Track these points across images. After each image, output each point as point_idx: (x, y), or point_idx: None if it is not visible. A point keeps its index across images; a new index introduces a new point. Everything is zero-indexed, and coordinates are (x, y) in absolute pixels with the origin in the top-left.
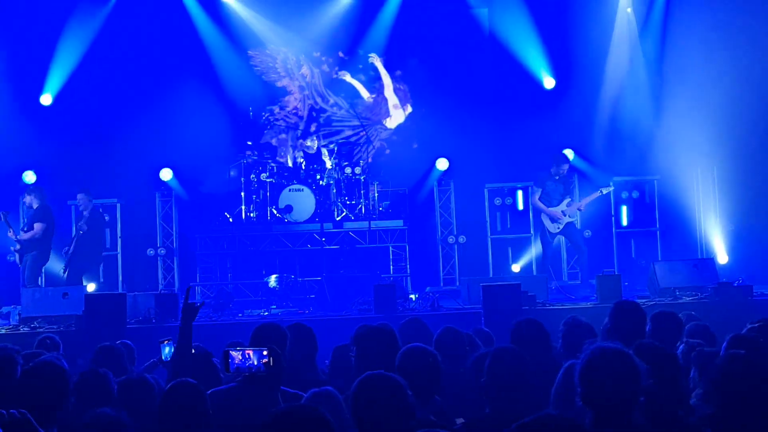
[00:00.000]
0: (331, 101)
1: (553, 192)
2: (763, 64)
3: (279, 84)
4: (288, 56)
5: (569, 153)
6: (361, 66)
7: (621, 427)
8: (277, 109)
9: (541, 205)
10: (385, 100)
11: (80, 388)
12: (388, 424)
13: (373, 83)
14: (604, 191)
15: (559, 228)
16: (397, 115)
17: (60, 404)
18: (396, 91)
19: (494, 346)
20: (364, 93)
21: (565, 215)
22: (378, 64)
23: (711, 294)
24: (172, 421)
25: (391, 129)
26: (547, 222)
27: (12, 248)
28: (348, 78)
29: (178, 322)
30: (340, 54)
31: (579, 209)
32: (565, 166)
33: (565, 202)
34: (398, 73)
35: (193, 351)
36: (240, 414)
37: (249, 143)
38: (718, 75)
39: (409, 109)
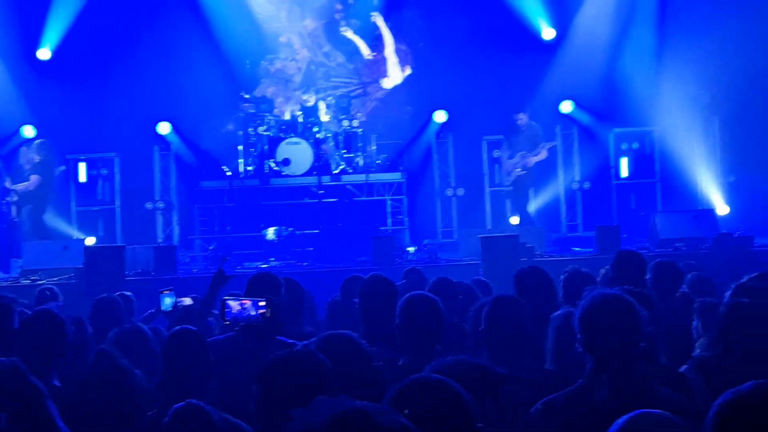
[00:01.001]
0: (331, 56)
1: (516, 144)
2: (767, 13)
3: (281, 38)
4: (293, 6)
5: (568, 104)
6: (354, 21)
7: (621, 373)
8: (276, 62)
9: (502, 155)
10: (385, 59)
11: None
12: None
13: (375, 41)
14: (548, 146)
15: (510, 180)
16: (395, 76)
17: (59, 353)
18: (397, 51)
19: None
20: (365, 50)
21: (516, 168)
22: (380, 22)
23: (711, 245)
24: (175, 366)
25: (387, 89)
26: (503, 174)
27: (8, 198)
28: (350, 34)
29: (176, 275)
30: (338, 6)
31: (526, 165)
32: (520, 115)
33: (519, 154)
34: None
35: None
36: (237, 364)
37: (245, 95)
38: (721, 24)
39: (408, 71)
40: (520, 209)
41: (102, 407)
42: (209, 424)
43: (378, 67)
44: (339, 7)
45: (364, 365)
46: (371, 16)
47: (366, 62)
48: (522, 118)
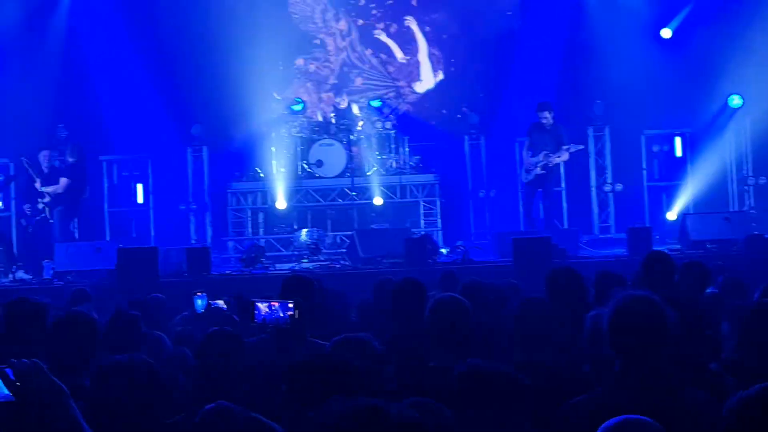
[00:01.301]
0: (365, 58)
1: (538, 142)
2: None
3: (315, 40)
4: (327, 7)
5: (600, 106)
6: (388, 24)
7: (649, 373)
8: (309, 63)
9: (525, 155)
10: (418, 63)
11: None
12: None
13: (408, 45)
14: (573, 149)
15: (528, 179)
16: (427, 80)
17: (91, 354)
18: (430, 56)
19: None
20: (398, 53)
21: (537, 166)
22: (414, 27)
23: (742, 246)
24: (211, 367)
25: (419, 93)
26: (522, 172)
27: (40, 201)
28: (384, 37)
29: (209, 276)
30: (374, 10)
31: (549, 164)
32: (543, 114)
33: (542, 153)
34: (427, 29)
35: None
36: (268, 365)
37: (277, 96)
38: (753, 25)
39: (440, 76)
40: (533, 211)
41: (136, 406)
42: (239, 425)
43: (411, 70)
44: (375, 12)
45: (376, 368)
46: (405, 20)
47: (399, 65)
48: (547, 117)
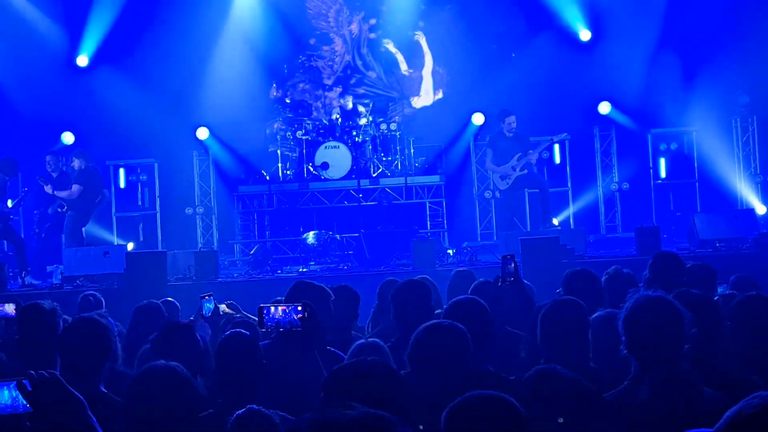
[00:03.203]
0: (370, 64)
1: (505, 150)
2: None
3: (331, 36)
4: (343, 8)
5: (606, 105)
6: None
7: (666, 374)
8: (313, 59)
9: (492, 166)
10: (421, 78)
11: None
12: (444, 370)
13: (414, 59)
14: (555, 139)
15: (508, 184)
16: (426, 97)
17: (103, 361)
18: (434, 73)
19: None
20: (403, 65)
21: (514, 170)
22: (423, 42)
23: (751, 245)
24: (229, 370)
25: (415, 108)
26: (497, 180)
27: (59, 209)
28: (391, 47)
29: (217, 279)
30: (372, 21)
31: (530, 161)
32: (510, 119)
33: (515, 157)
34: (421, 24)
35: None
36: (277, 370)
37: (287, 100)
38: (759, 23)
39: (440, 95)
40: (517, 215)
41: (156, 410)
42: (272, 428)
43: (412, 84)
44: (372, 21)
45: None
46: (415, 34)
47: (401, 77)
48: (512, 123)
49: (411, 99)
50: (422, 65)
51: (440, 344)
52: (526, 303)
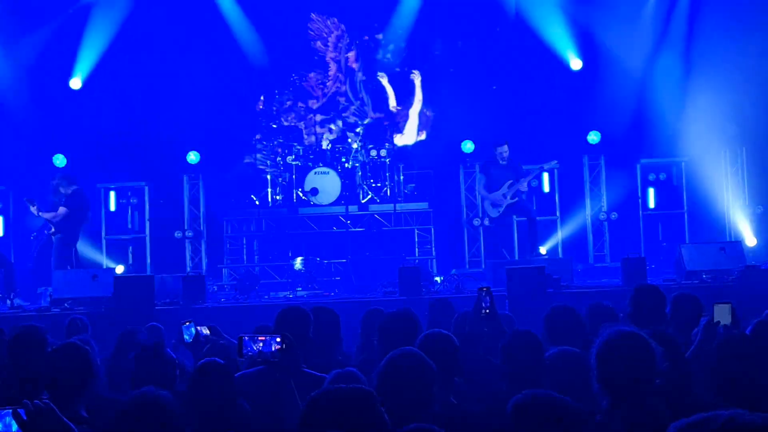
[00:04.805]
0: (359, 94)
1: (497, 177)
2: None
3: (327, 60)
4: (345, 36)
5: (595, 135)
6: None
7: (636, 408)
8: (306, 79)
9: (484, 192)
10: (407, 117)
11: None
12: (410, 401)
13: (404, 96)
14: (546, 167)
15: (499, 212)
16: (408, 136)
17: (84, 386)
18: (421, 114)
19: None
20: (392, 101)
21: (505, 198)
22: (417, 81)
23: (738, 277)
24: (202, 399)
25: (396, 145)
26: (488, 208)
27: (46, 232)
28: (384, 81)
29: (205, 304)
30: (365, 37)
31: (521, 189)
32: (503, 148)
33: (506, 185)
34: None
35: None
36: (257, 397)
37: (273, 125)
38: (748, 54)
39: (423, 136)
40: (504, 243)
41: None
42: None
43: (397, 121)
44: (388, 55)
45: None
46: (412, 73)
47: (388, 112)
48: (506, 151)
49: (394, 135)
50: (411, 104)
51: (405, 373)
52: (500, 335)
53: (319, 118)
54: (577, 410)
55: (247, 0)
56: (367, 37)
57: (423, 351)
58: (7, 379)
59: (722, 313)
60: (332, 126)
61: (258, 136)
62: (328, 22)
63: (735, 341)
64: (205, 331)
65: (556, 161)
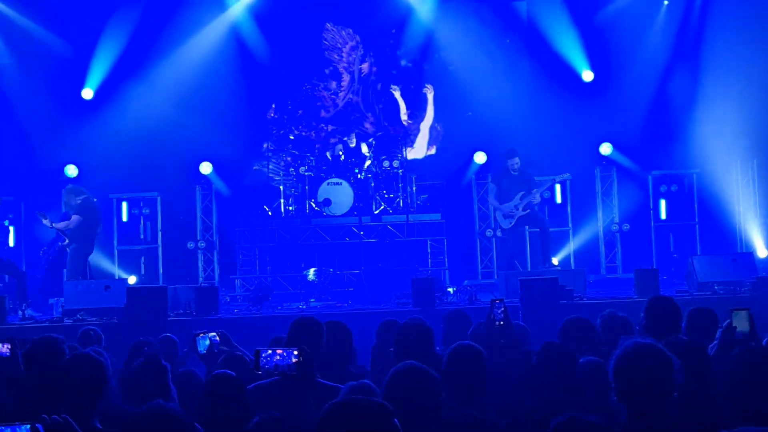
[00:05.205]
0: (372, 106)
1: (509, 187)
2: None
3: (327, 70)
4: (359, 47)
5: (607, 146)
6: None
7: (655, 421)
8: (320, 89)
9: (495, 203)
10: (418, 131)
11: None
12: (418, 414)
13: (417, 110)
14: (558, 179)
15: (511, 224)
16: (419, 150)
17: (98, 396)
18: (432, 128)
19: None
20: (404, 115)
21: (518, 209)
22: (429, 96)
23: (750, 288)
24: (215, 411)
25: (406, 158)
26: (500, 219)
27: (60, 243)
28: (397, 94)
29: (218, 315)
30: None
31: (533, 201)
32: (514, 160)
33: (518, 196)
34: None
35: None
36: (273, 407)
37: (291, 137)
38: (759, 66)
39: (433, 150)
40: (517, 254)
41: None
42: None
43: (408, 135)
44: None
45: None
46: (425, 87)
47: (399, 126)
48: (517, 163)
49: (404, 149)
50: (422, 118)
51: (409, 387)
52: (514, 347)
53: (331, 128)
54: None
55: (260, 8)
56: (380, 55)
57: (452, 363)
58: (24, 392)
59: (740, 320)
60: (345, 137)
61: (266, 145)
62: (343, 33)
63: (754, 354)
64: (215, 336)
65: (568, 174)
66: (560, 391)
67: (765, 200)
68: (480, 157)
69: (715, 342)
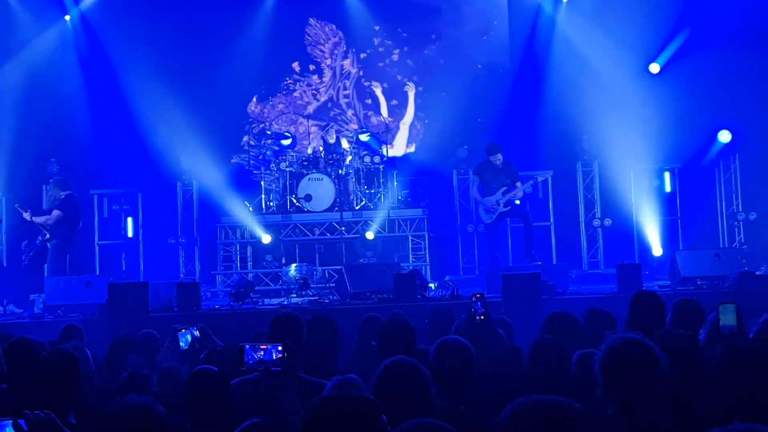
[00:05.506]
0: (351, 103)
1: (492, 180)
2: None
3: (322, 66)
4: (341, 43)
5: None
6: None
7: (642, 416)
8: (299, 84)
9: (477, 196)
10: (398, 129)
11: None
12: (407, 409)
13: (397, 108)
14: (539, 178)
15: (492, 218)
16: (398, 148)
17: (73, 392)
18: (411, 127)
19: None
20: (384, 112)
21: (499, 205)
22: (411, 94)
23: (733, 283)
24: (198, 407)
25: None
26: (482, 213)
27: (40, 238)
28: (378, 92)
29: (199, 311)
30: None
31: (514, 198)
32: (497, 157)
33: (500, 191)
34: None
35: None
36: (258, 403)
37: (268, 132)
38: (743, 62)
39: (412, 149)
40: (498, 249)
41: None
42: None
43: (387, 133)
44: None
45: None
46: (406, 85)
47: (379, 123)
48: (499, 159)
49: (382, 147)
50: (402, 116)
51: (400, 382)
52: (495, 341)
53: (311, 124)
54: (582, 414)
55: (242, 1)
56: (364, 55)
57: (439, 358)
58: (5, 388)
59: (727, 313)
60: (325, 132)
61: (246, 138)
62: (326, 29)
63: (741, 349)
64: (195, 331)
65: (550, 171)
66: (556, 387)
67: (746, 194)
68: (462, 152)
69: (701, 332)
